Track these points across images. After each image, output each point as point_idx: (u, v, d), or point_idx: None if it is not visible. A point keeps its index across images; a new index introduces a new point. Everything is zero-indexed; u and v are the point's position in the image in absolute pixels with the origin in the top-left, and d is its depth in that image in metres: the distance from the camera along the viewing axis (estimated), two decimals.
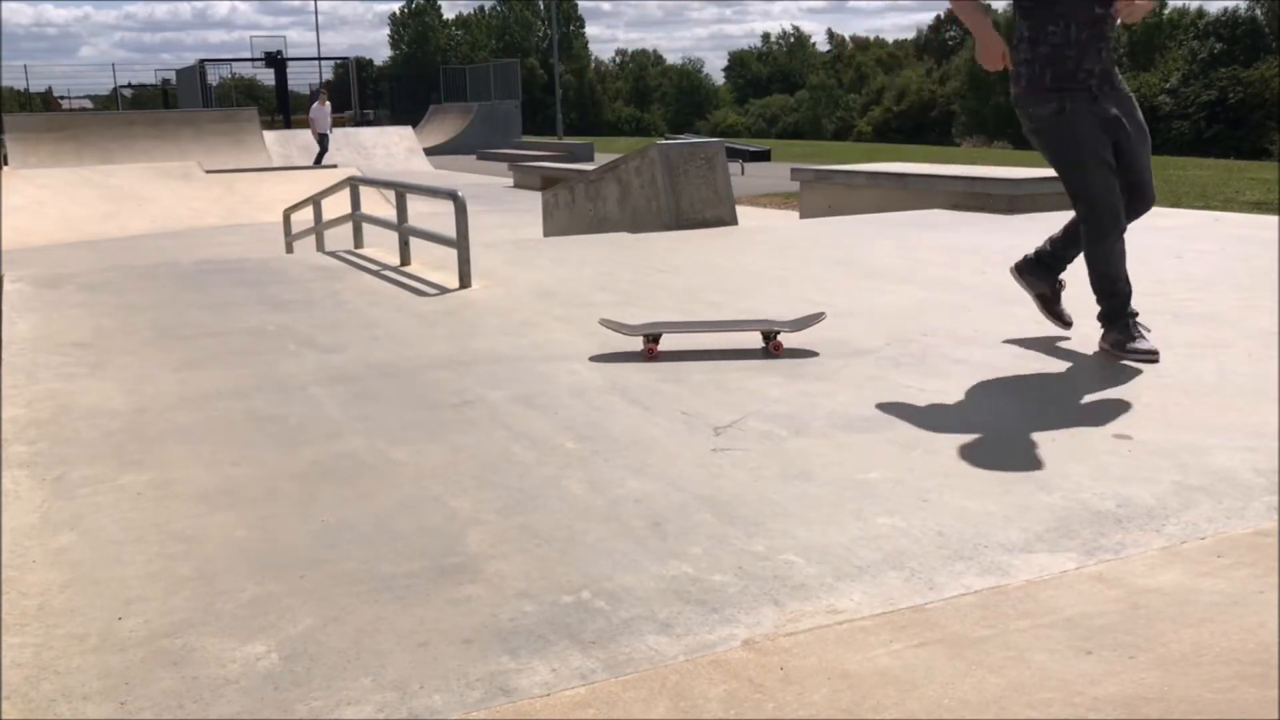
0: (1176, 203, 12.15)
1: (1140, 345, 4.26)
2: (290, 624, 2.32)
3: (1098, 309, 4.43)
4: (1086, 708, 1.94)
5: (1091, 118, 4.20)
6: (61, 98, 66.11)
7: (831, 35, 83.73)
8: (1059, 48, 4.16)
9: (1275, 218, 8.39)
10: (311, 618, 2.35)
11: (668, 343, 4.64)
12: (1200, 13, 52.76)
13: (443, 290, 6.31)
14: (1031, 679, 2.04)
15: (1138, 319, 4.37)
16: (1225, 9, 50.97)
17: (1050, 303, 4.82)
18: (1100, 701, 1.96)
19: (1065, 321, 4.77)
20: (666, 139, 20.75)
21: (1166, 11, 59.02)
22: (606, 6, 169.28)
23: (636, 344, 4.70)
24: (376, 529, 2.82)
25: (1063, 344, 4.60)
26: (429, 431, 3.63)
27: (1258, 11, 49.15)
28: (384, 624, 2.31)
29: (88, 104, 59.89)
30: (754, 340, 4.68)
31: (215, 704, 2.03)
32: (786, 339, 4.64)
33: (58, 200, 17.93)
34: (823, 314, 4.80)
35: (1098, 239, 4.32)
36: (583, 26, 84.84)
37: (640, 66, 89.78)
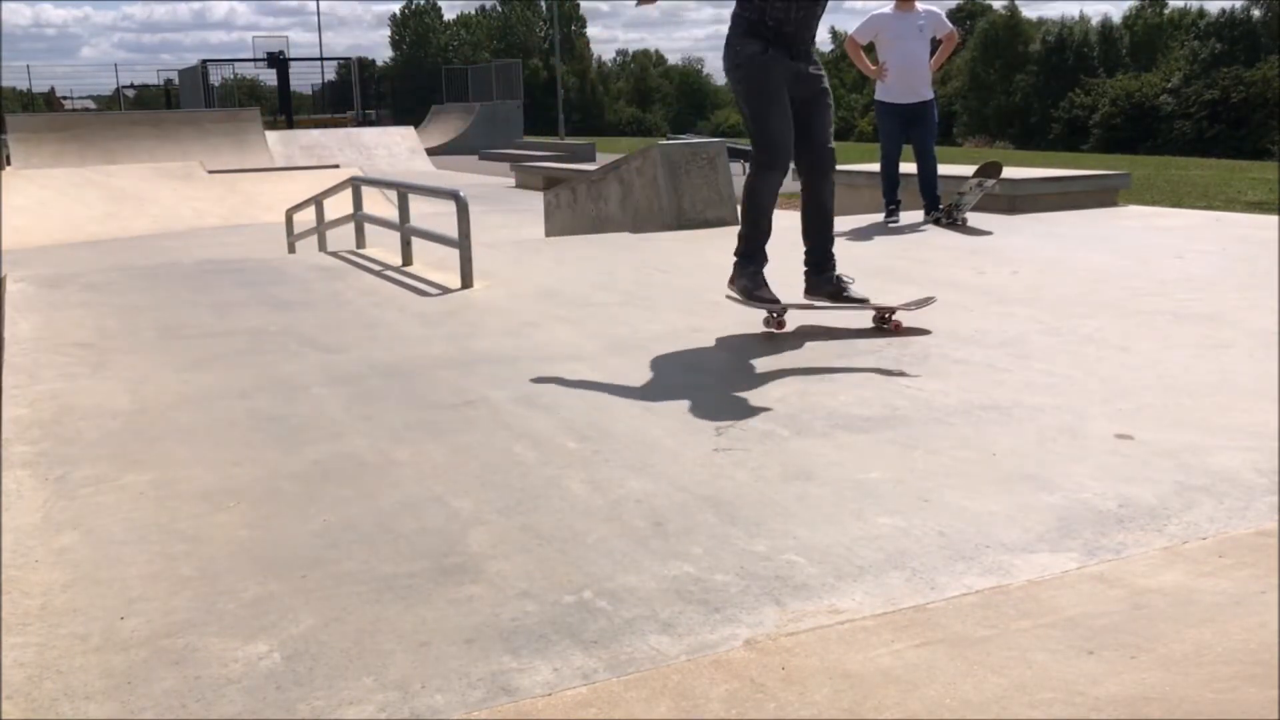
0: (1178, 203, 12.15)
1: (765, 295, 4.84)
2: (292, 624, 2.32)
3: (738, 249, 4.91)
4: (1088, 708, 1.95)
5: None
6: (64, 98, 66.14)
7: (835, 34, 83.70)
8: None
9: (1276, 218, 8.39)
10: (313, 617, 2.35)
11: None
12: (1201, 13, 52.76)
13: (445, 290, 6.31)
14: (1033, 679, 2.04)
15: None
16: (1224, 9, 50.98)
17: (839, 296, 4.99)
18: (1102, 702, 1.96)
19: (861, 298, 5.01)
20: (668, 139, 20.73)
21: (1167, 11, 59.02)
22: (605, 7, 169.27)
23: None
24: (378, 529, 2.82)
25: (1064, 344, 4.60)
26: (430, 431, 3.63)
27: (1255, 12, 49.15)
28: (386, 624, 2.32)
29: (90, 104, 59.85)
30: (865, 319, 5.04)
31: (217, 704, 2.03)
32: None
33: (60, 200, 17.95)
34: (933, 298, 5.14)
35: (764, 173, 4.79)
36: (584, 27, 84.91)
37: (641, 67, 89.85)
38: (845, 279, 5.01)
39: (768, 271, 4.92)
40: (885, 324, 4.94)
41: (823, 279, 5.01)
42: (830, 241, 4.98)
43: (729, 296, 4.96)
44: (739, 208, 4.93)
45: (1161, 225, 8.45)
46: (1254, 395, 3.79)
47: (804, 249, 5.04)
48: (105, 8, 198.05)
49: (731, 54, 4.79)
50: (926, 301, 5.08)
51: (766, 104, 4.70)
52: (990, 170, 8.41)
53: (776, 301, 4.85)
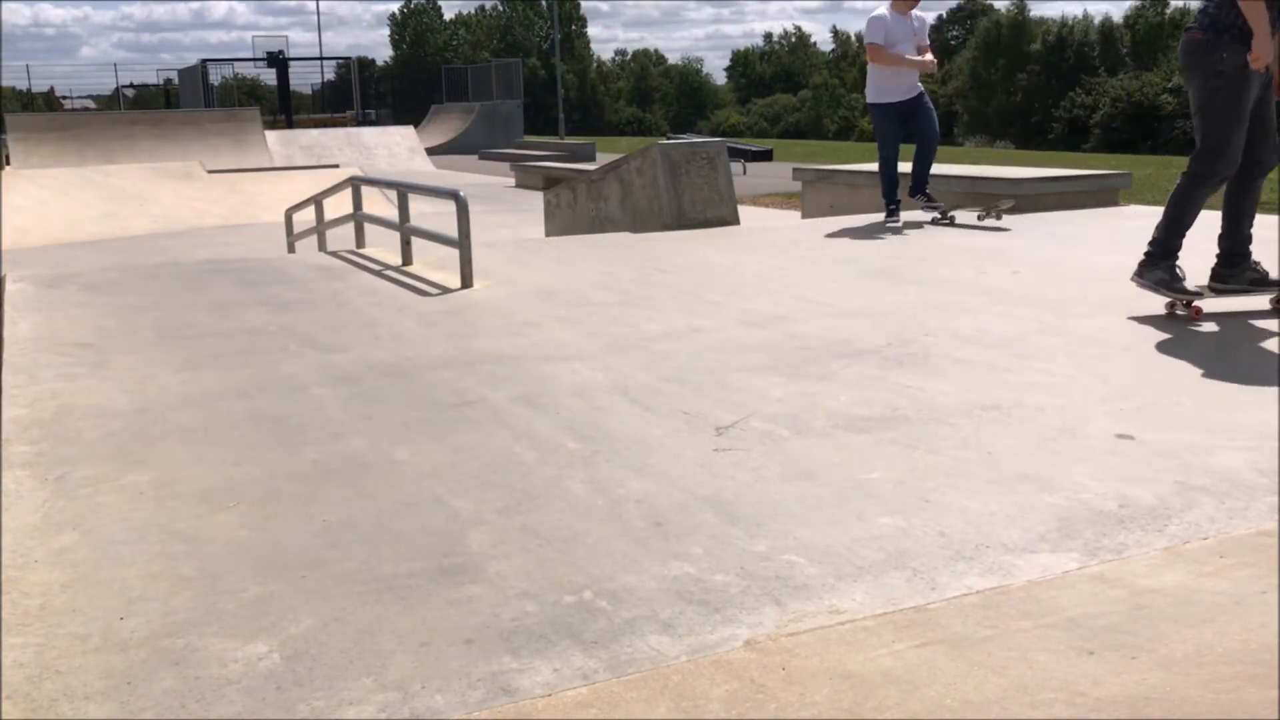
0: None
1: (1187, 286, 4.89)
2: (292, 624, 2.32)
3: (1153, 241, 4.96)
4: (1088, 708, 1.94)
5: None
6: (64, 98, 66.20)
7: (835, 33, 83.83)
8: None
9: (1276, 218, 8.38)
10: (313, 618, 2.35)
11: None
12: None
13: (444, 290, 6.31)
14: (1033, 679, 2.04)
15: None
16: None
17: (1264, 281, 5.03)
18: (1102, 702, 1.96)
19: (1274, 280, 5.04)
20: (668, 139, 20.74)
21: (1168, 11, 59.01)
22: (605, 7, 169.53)
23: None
24: (378, 529, 2.82)
25: (1064, 344, 4.60)
26: (430, 431, 3.63)
27: None
28: (385, 624, 2.32)
29: (90, 104, 59.91)
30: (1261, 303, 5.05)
31: (217, 704, 2.03)
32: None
33: (60, 200, 17.95)
34: None
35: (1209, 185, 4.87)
36: (585, 26, 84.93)
37: (641, 66, 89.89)
38: (1261, 265, 5.04)
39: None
40: None
41: (1242, 268, 5.04)
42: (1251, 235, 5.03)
43: (1140, 285, 5.02)
44: (1166, 210, 4.98)
45: None
46: (1254, 395, 3.79)
47: (1224, 242, 5.07)
48: (105, 7, 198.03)
49: (1214, 59, 4.70)
50: None
51: (1236, 121, 4.71)
52: (1000, 203, 8.50)
53: (1198, 294, 4.92)
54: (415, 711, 2.00)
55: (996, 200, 8.49)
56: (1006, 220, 8.59)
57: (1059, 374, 4.13)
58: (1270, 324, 4.80)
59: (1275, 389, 3.82)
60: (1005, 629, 2.24)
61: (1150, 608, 2.31)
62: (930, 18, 8.80)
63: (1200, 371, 4.13)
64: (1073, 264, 6.69)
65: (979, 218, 8.36)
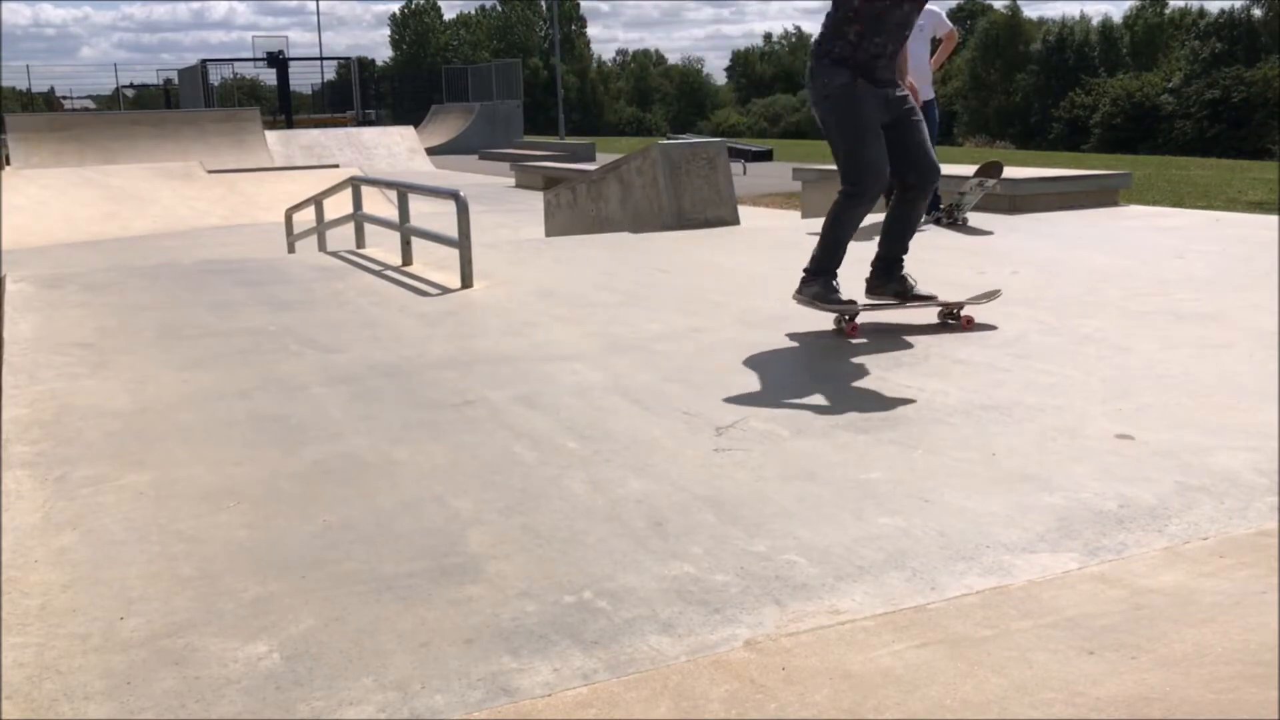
0: (1178, 203, 12.14)
1: (841, 296, 4.89)
2: (292, 624, 2.32)
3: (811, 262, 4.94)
4: (1088, 708, 1.94)
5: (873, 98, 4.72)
6: (64, 98, 66.21)
7: None
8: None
9: (1276, 218, 8.39)
10: (313, 618, 2.35)
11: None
12: (1201, 13, 52.81)
13: (444, 290, 6.31)
14: (1033, 679, 2.04)
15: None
16: (1224, 9, 51.03)
17: (910, 294, 5.03)
18: (1102, 702, 1.96)
19: (928, 295, 5.06)
20: (668, 139, 20.73)
21: (1168, 11, 59.07)
22: (605, 7, 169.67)
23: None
24: (378, 529, 2.82)
25: (1064, 344, 4.60)
26: (430, 431, 3.63)
27: (1255, 11, 49.20)
28: (385, 624, 2.32)
29: (90, 104, 59.88)
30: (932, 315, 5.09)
31: (217, 704, 2.03)
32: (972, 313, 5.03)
33: (60, 200, 17.94)
34: (999, 291, 5.16)
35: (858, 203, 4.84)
36: (584, 27, 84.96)
37: (642, 67, 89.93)
38: (910, 279, 5.07)
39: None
40: (954, 319, 4.99)
41: (892, 277, 5.07)
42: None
43: (799, 302, 4.96)
44: (822, 232, 4.98)
45: (1162, 225, 8.45)
46: (1254, 395, 3.79)
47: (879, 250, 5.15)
48: (105, 8, 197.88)
49: (818, 84, 4.78)
50: (993, 295, 5.10)
51: (859, 136, 4.76)
52: (991, 170, 8.43)
53: (852, 303, 4.90)
54: (415, 711, 2.00)
55: (987, 173, 8.43)
56: (1006, 220, 8.58)
57: (1059, 374, 4.13)
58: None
59: (1275, 389, 3.82)
60: (1005, 629, 2.24)
61: (1150, 608, 2.31)
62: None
63: (1199, 371, 4.13)
64: (1073, 264, 6.69)
65: (974, 187, 8.32)
